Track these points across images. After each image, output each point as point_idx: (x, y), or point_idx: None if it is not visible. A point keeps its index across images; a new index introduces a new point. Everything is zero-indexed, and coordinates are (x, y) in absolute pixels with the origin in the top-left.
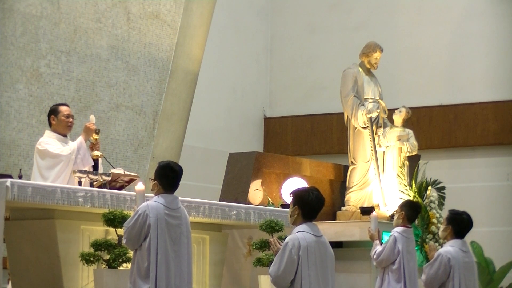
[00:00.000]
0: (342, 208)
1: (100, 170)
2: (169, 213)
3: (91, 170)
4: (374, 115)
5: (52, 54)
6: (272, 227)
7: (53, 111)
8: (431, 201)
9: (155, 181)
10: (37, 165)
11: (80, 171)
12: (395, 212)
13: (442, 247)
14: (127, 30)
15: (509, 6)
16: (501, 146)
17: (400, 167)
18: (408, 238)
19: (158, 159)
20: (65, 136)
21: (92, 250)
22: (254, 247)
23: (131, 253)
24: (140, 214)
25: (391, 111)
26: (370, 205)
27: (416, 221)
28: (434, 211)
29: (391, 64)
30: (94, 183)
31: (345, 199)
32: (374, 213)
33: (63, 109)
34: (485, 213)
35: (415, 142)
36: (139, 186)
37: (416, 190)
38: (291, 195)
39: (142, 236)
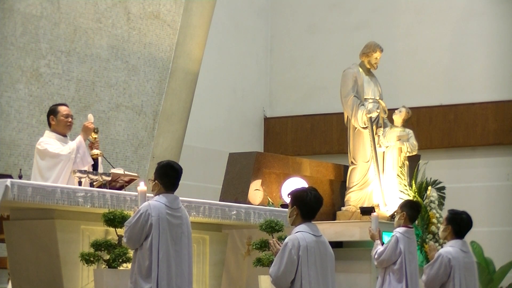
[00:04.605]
0: (342, 208)
1: (100, 169)
2: (171, 213)
3: (91, 169)
4: (374, 115)
5: (52, 54)
6: (272, 227)
7: (52, 111)
8: (431, 201)
9: (156, 181)
10: (37, 165)
11: (80, 171)
12: (395, 213)
13: (442, 247)
14: (127, 30)
15: (509, 6)
16: (501, 146)
17: (400, 167)
18: (410, 238)
19: (158, 159)
20: (64, 136)
21: (92, 250)
22: (254, 247)
23: (131, 253)
24: (142, 213)
25: (391, 111)
26: (370, 205)
27: (416, 221)
28: (434, 211)
29: (391, 64)
30: (94, 183)
31: (345, 199)
32: (375, 213)
33: (62, 109)
34: (485, 213)
35: (415, 142)
36: (141, 186)
37: (416, 190)
38: (289, 195)
39: (143, 235)
